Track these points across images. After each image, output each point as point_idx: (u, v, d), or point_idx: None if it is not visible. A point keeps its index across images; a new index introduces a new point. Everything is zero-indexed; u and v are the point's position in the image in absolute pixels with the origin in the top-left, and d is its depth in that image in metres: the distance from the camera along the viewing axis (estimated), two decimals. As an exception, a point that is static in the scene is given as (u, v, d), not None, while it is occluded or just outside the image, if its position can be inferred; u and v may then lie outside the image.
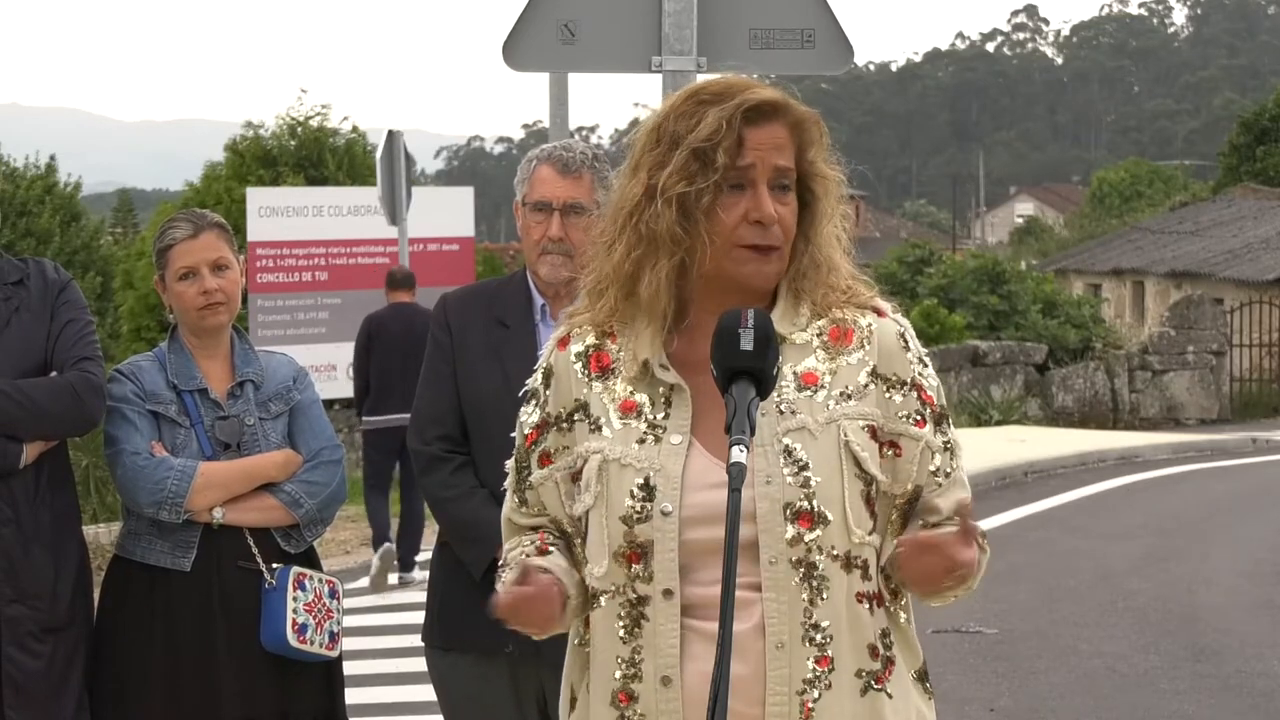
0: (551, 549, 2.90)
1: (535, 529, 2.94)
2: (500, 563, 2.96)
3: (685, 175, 2.76)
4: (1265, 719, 8.09)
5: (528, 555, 2.89)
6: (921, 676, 2.88)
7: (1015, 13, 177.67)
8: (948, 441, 2.86)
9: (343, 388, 16.96)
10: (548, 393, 2.91)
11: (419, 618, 4.49)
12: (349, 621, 4.79)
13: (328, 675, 4.48)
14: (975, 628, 9.71)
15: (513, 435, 2.99)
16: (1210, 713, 8.15)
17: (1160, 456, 19.86)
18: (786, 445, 2.75)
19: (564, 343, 2.92)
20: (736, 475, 2.51)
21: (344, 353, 16.68)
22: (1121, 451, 19.66)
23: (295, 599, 4.34)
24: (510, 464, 2.98)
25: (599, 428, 2.84)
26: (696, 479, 2.77)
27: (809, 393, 2.79)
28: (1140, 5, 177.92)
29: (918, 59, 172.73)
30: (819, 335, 2.83)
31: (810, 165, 2.83)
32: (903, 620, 2.85)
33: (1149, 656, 9.26)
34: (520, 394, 3.00)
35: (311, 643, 4.36)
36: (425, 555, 11.53)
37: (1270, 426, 23.95)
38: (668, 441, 2.79)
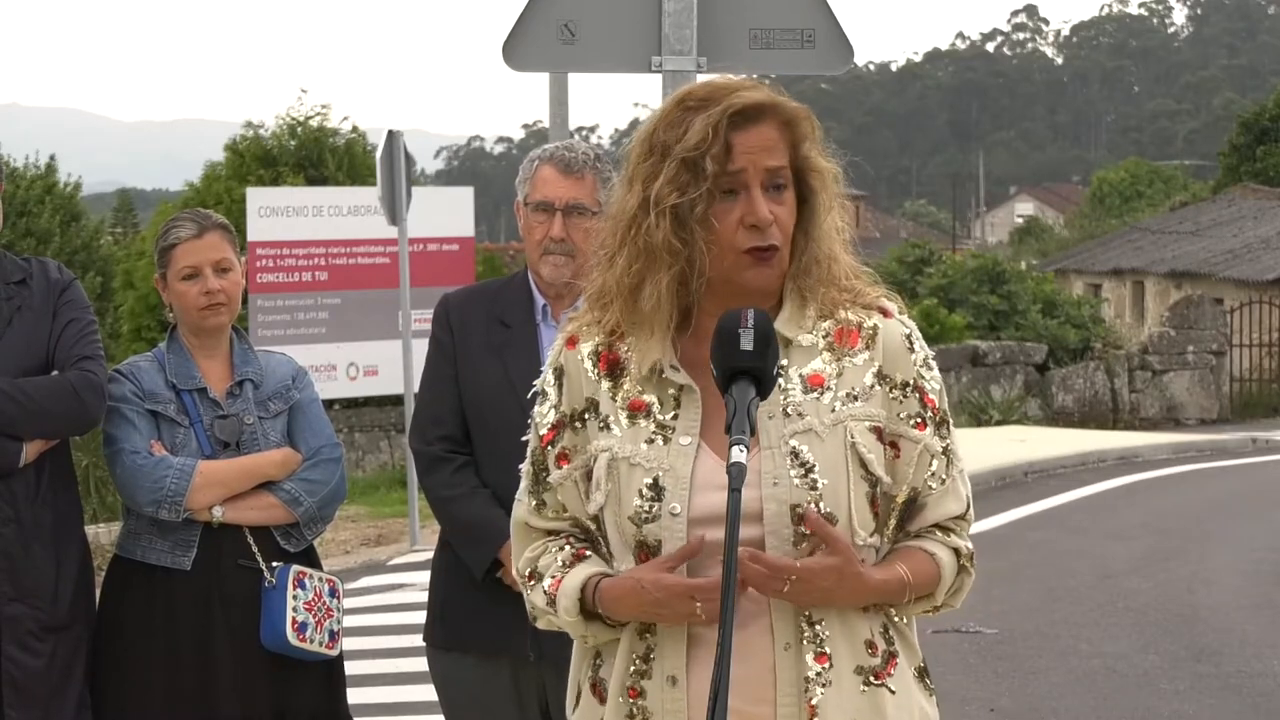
0: (588, 553, 2.87)
1: (555, 533, 2.91)
2: (529, 572, 2.90)
3: (677, 186, 2.74)
4: (1265, 719, 8.09)
5: (566, 564, 2.85)
6: (922, 674, 2.89)
7: (1015, 13, 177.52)
8: (946, 447, 2.85)
9: (342, 388, 16.93)
10: (560, 392, 2.90)
11: (419, 618, 4.49)
12: (349, 621, 4.79)
13: (328, 675, 4.48)
14: (975, 628, 9.71)
15: (524, 438, 2.97)
16: (1210, 713, 8.14)
17: (1160, 456, 19.84)
18: (794, 447, 2.75)
19: (573, 342, 2.91)
20: (736, 475, 2.51)
21: (344, 353, 16.65)
22: (1121, 451, 19.65)
23: (295, 597, 4.35)
24: (525, 467, 2.95)
25: (608, 425, 2.84)
26: (705, 480, 2.76)
27: (815, 395, 2.79)
28: (1140, 5, 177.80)
29: (918, 59, 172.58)
30: (825, 337, 2.83)
31: (805, 160, 2.82)
32: (898, 618, 2.85)
33: (1149, 656, 9.26)
34: (529, 394, 2.99)
35: (311, 641, 4.36)
36: (428, 555, 11.52)
37: (1270, 426, 23.94)
38: (676, 442, 2.79)
